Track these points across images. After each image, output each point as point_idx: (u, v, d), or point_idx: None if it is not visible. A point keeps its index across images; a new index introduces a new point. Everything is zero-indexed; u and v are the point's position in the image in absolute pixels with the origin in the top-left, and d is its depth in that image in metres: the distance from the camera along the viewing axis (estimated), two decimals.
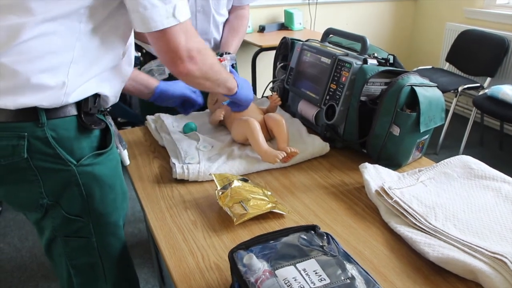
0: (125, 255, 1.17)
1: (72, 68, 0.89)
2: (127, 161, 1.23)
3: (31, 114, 0.88)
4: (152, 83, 1.37)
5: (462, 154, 1.23)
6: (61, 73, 0.88)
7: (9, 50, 0.83)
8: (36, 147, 0.90)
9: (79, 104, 0.95)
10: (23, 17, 0.81)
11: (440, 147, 3.46)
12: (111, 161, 1.04)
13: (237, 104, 1.34)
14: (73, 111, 0.94)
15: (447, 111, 3.20)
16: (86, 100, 0.95)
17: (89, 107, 0.96)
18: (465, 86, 3.41)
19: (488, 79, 3.57)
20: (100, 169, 1.00)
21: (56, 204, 0.97)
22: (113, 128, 1.09)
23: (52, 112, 0.90)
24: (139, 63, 1.75)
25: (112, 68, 0.99)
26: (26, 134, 0.88)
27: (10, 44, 0.82)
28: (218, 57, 1.54)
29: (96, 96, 0.99)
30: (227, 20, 1.79)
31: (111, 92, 1.04)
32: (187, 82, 1.05)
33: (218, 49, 1.77)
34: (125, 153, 1.21)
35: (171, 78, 1.50)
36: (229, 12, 1.79)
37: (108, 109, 1.10)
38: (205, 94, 1.69)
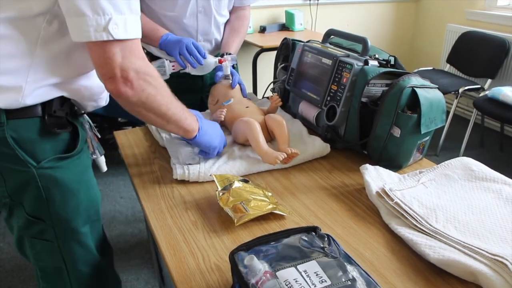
0: (95, 266, 1.13)
1: (32, 73, 0.87)
2: (104, 168, 1.19)
3: None
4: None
5: (463, 155, 1.23)
6: (19, 76, 0.86)
7: None
8: None
9: (43, 106, 0.93)
10: None
11: (441, 149, 3.46)
12: (77, 166, 1.01)
13: (202, 151, 1.23)
14: (37, 113, 0.92)
15: (447, 113, 3.20)
16: (50, 102, 0.93)
17: (53, 110, 0.94)
18: (466, 88, 3.41)
19: (489, 80, 3.57)
20: (62, 173, 0.97)
21: (19, 205, 0.97)
22: (87, 132, 1.06)
23: (14, 113, 0.88)
24: None
25: (84, 73, 0.97)
26: None
27: None
28: (219, 57, 1.54)
29: (64, 99, 0.96)
30: (228, 20, 1.79)
31: (83, 97, 1.01)
32: (124, 107, 0.94)
33: (219, 49, 1.78)
34: (102, 159, 1.18)
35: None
36: (230, 12, 1.79)
37: (84, 113, 1.07)
38: (205, 95, 1.70)
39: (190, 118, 1.11)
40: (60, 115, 0.96)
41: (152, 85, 0.92)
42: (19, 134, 0.90)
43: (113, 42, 0.82)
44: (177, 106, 1.04)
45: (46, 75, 0.89)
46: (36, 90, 0.89)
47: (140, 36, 0.88)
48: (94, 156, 1.14)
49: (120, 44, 0.83)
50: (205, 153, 1.23)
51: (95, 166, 1.18)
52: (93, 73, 1.00)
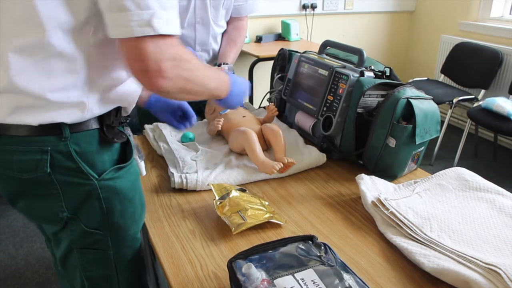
0: (140, 266, 1.15)
1: (89, 84, 0.88)
2: (144, 172, 1.22)
3: (54, 128, 0.87)
4: None
5: (457, 165, 1.25)
6: (78, 91, 0.87)
7: (25, 70, 0.82)
8: (59, 162, 0.89)
9: (101, 118, 0.93)
10: (36, 34, 0.81)
11: (435, 158, 3.48)
12: (132, 174, 1.02)
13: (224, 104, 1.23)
14: (95, 125, 0.93)
15: (442, 123, 3.22)
16: (108, 113, 0.94)
17: (111, 121, 0.96)
18: (460, 98, 3.44)
19: (482, 91, 3.61)
20: (121, 183, 0.98)
21: (76, 217, 0.96)
22: (132, 139, 1.07)
23: (75, 126, 0.89)
24: None
25: (129, 77, 0.98)
26: (49, 148, 0.87)
27: (27, 63, 0.82)
28: (216, 67, 1.56)
29: (118, 108, 0.98)
30: (225, 31, 1.81)
31: (131, 101, 1.02)
32: (161, 96, 0.92)
33: (216, 59, 1.79)
34: (142, 164, 1.20)
35: None
36: (228, 23, 1.81)
37: (127, 120, 1.08)
38: (203, 104, 1.71)
39: (222, 87, 1.10)
40: (115, 125, 0.97)
41: (186, 70, 0.89)
42: (81, 147, 0.90)
43: (149, 37, 0.80)
44: (211, 77, 1.03)
45: (102, 84, 0.90)
46: (97, 102, 0.90)
47: (179, 32, 0.86)
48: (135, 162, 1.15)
49: (157, 38, 0.81)
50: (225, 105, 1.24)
51: None
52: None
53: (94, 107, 0.90)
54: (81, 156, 0.90)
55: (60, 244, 1.02)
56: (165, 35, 0.82)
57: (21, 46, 0.81)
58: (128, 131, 1.06)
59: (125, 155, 1.02)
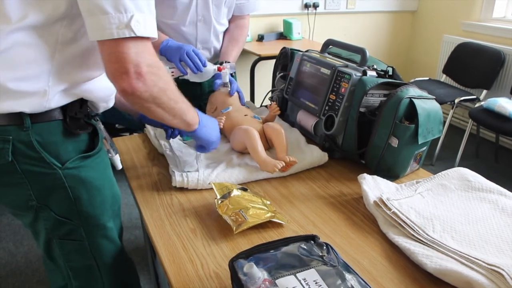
0: (121, 258, 1.17)
1: (53, 77, 0.90)
2: (119, 166, 1.23)
3: (16, 118, 0.89)
4: None
5: (458, 165, 1.25)
6: (41, 81, 0.89)
7: None
8: (21, 151, 0.91)
9: (64, 109, 0.96)
10: (1, 26, 0.82)
11: (436, 158, 3.48)
12: (99, 164, 1.05)
13: (200, 146, 1.23)
14: (59, 116, 0.95)
15: (443, 123, 3.21)
16: (71, 105, 0.96)
17: (74, 112, 0.97)
18: (462, 98, 3.44)
19: (484, 91, 3.60)
20: (87, 172, 1.01)
21: (46, 206, 0.99)
22: (102, 132, 1.10)
23: (37, 117, 0.91)
24: None
25: (99, 74, 1.00)
26: (11, 137, 0.90)
27: None
28: (218, 65, 1.55)
29: (82, 101, 1.00)
30: (227, 29, 1.81)
31: (99, 98, 1.04)
32: (133, 104, 0.93)
33: (218, 57, 1.79)
34: (117, 158, 1.21)
35: None
36: (229, 21, 1.81)
37: (98, 115, 1.09)
38: (204, 102, 1.71)
39: (192, 112, 1.11)
40: (79, 117, 0.99)
41: (162, 79, 0.92)
42: (43, 137, 0.93)
43: (129, 39, 0.82)
44: (182, 100, 1.05)
45: (66, 78, 0.92)
46: (59, 93, 0.92)
47: (156, 36, 0.89)
48: (110, 155, 1.17)
49: (136, 40, 0.84)
50: (202, 148, 1.23)
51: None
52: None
53: (55, 98, 0.92)
54: (43, 146, 0.93)
55: (40, 235, 1.06)
56: (144, 38, 0.84)
57: None
58: (99, 125, 1.09)
59: (94, 146, 1.04)
